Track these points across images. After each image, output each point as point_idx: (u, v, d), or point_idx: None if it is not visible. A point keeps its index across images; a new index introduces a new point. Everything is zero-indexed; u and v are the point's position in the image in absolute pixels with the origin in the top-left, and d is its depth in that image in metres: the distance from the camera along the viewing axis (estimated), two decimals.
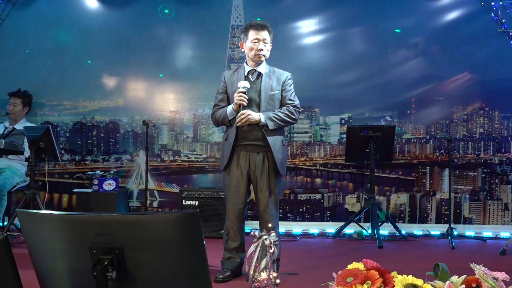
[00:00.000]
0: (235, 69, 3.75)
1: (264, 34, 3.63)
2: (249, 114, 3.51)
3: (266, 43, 3.61)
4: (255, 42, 3.55)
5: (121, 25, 6.58)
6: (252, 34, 3.59)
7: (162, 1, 6.47)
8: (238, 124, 3.47)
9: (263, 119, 3.54)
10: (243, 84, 3.45)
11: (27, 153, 5.31)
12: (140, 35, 6.59)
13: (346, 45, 6.52)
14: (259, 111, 3.51)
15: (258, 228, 3.44)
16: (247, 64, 3.69)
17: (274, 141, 3.54)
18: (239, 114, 3.48)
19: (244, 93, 3.44)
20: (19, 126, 5.81)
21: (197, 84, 6.62)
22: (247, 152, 3.54)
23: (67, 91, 6.58)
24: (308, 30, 6.60)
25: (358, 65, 6.46)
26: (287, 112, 3.61)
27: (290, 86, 3.73)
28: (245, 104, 3.40)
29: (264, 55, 3.59)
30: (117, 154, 6.66)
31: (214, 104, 3.74)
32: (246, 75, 3.59)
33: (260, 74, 3.61)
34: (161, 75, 6.49)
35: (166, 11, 6.36)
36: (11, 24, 6.44)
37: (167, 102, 6.70)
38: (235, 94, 3.42)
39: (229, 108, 3.50)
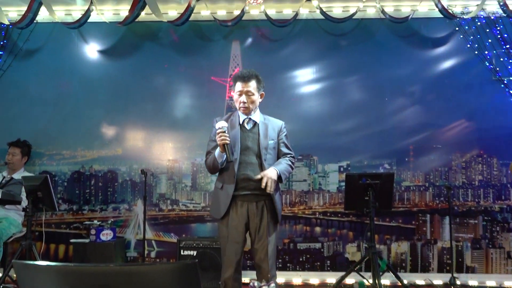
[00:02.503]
0: (228, 116, 3.60)
1: (251, 85, 3.47)
2: (270, 177, 3.36)
3: (250, 94, 3.45)
4: (239, 94, 3.43)
5: (120, 75, 6.39)
6: (237, 86, 3.46)
7: (161, 52, 6.35)
8: (268, 190, 3.27)
9: (276, 175, 3.39)
10: (221, 125, 3.30)
11: (25, 202, 5.15)
12: (139, 84, 6.38)
13: (343, 94, 6.33)
14: (259, 161, 3.37)
15: (256, 278, 3.38)
16: (240, 112, 3.55)
17: (273, 190, 3.41)
18: (263, 180, 3.32)
19: (224, 132, 3.31)
20: (17, 175, 5.69)
21: (195, 133, 6.34)
22: (245, 201, 3.38)
23: (66, 140, 6.31)
24: (306, 79, 6.42)
25: (355, 113, 6.25)
26: (290, 163, 3.52)
27: (285, 135, 3.61)
28: (228, 142, 3.25)
29: (246, 107, 3.44)
30: (115, 203, 6.37)
31: (206, 151, 3.58)
32: (241, 123, 3.47)
33: (255, 123, 3.48)
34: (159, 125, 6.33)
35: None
36: (12, 75, 6.33)
37: (165, 151, 6.41)
38: (217, 136, 3.28)
39: (217, 151, 3.34)
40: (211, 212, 3.51)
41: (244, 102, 3.36)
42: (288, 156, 3.51)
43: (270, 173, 3.33)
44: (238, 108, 3.45)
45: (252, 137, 3.41)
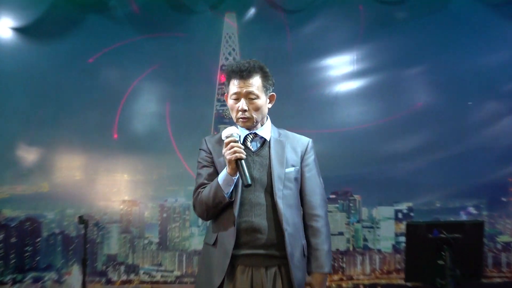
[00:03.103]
0: (221, 134, 2.52)
1: (253, 83, 2.38)
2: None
3: (253, 98, 2.35)
4: (236, 98, 2.37)
5: (47, 66, 5.32)
6: (233, 85, 2.38)
7: (112, 30, 5.30)
8: None
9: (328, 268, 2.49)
10: (231, 131, 2.30)
11: None
12: (77, 81, 5.30)
13: (400, 95, 5.33)
14: (270, 200, 2.33)
15: None
16: (239, 125, 2.54)
17: (294, 248, 2.34)
18: None
19: (237, 141, 2.30)
20: None
21: (167, 158, 5.26)
22: (249, 266, 2.33)
23: None
24: (340, 72, 5.33)
25: (419, 127, 5.27)
26: (326, 223, 2.46)
27: (314, 159, 2.49)
28: (244, 157, 2.25)
29: (248, 118, 2.36)
30: (36, 271, 5.25)
31: (197, 185, 2.45)
32: (242, 142, 2.37)
33: (265, 141, 2.39)
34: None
35: None
36: None
37: (118, 187, 5.37)
38: (225, 149, 2.27)
39: (222, 175, 2.29)
40: (197, 285, 2.55)
41: (244, 110, 2.35)
42: (319, 198, 2.45)
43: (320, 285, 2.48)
44: (235, 119, 2.42)
45: (260, 163, 2.38)
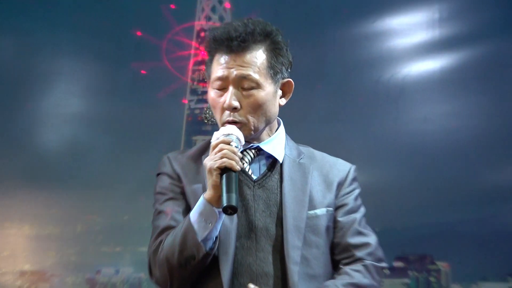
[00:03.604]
0: (198, 148, 1.82)
1: (250, 61, 1.63)
2: None
3: (250, 87, 1.61)
4: (219, 89, 1.66)
5: None
6: (215, 66, 1.65)
7: None
8: None
9: None
10: (230, 131, 1.57)
11: None
12: None
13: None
14: (281, 269, 1.66)
15: None
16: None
17: None
18: None
19: (229, 143, 1.55)
20: None
21: (100, 195, 3.72)
22: None
23: None
24: (409, 41, 3.76)
25: None
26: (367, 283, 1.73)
27: (356, 197, 1.74)
28: (238, 168, 1.51)
29: (242, 122, 1.60)
30: None
31: (155, 233, 1.64)
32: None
33: (275, 162, 1.71)
34: None
35: None
36: None
37: (12, 249, 3.80)
38: (213, 151, 1.54)
39: (197, 206, 1.54)
40: None
41: (233, 108, 1.63)
42: (368, 261, 1.70)
43: None
44: (219, 123, 1.76)
45: (265, 201, 1.71)
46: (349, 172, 1.74)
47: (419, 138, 3.56)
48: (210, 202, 1.49)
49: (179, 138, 3.73)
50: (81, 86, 3.73)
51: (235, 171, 1.48)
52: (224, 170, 1.48)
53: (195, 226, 1.52)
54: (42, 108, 3.74)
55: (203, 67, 3.24)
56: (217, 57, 1.64)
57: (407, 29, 3.72)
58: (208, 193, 1.51)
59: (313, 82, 3.32)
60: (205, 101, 3.66)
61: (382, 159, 3.57)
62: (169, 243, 1.61)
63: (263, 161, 1.71)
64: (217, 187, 1.48)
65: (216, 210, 1.49)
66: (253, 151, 1.67)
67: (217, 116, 1.69)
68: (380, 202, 3.26)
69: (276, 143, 1.71)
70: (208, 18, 3.50)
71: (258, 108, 1.62)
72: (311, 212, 1.66)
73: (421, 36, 3.69)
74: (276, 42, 1.63)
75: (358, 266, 1.67)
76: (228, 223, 1.62)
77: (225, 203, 1.39)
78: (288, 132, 1.74)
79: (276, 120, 1.70)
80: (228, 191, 1.46)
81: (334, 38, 3.67)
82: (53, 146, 3.81)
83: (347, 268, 1.67)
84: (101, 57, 3.78)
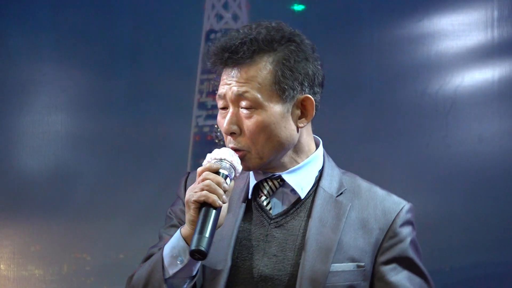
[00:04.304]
0: None
1: (249, 75, 1.40)
2: None
3: (248, 107, 1.41)
4: (221, 110, 1.43)
5: None
6: (221, 81, 1.42)
7: None
8: None
9: None
10: (223, 155, 1.38)
11: None
12: None
13: None
14: None
15: None
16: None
17: None
18: None
19: (217, 168, 1.38)
20: None
21: (89, 226, 3.37)
22: None
23: None
24: (462, 44, 3.30)
25: None
26: None
27: (413, 247, 1.38)
28: (219, 204, 1.33)
29: (243, 150, 1.44)
30: None
31: (142, 260, 1.45)
32: (251, 193, 1.47)
33: (297, 197, 1.46)
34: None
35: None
36: None
37: None
38: (198, 179, 1.40)
39: (174, 237, 1.36)
40: None
41: (230, 133, 1.49)
42: None
43: None
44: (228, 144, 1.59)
45: (281, 245, 1.51)
46: (397, 215, 1.44)
47: (472, 161, 3.14)
48: (185, 238, 1.38)
49: (185, 161, 3.36)
50: (66, 98, 3.28)
51: (215, 208, 1.34)
52: (204, 204, 1.36)
53: (165, 261, 1.39)
54: (19, 126, 3.28)
55: (212, 76, 3.04)
56: (222, 71, 1.49)
57: (460, 30, 3.27)
58: (185, 228, 1.41)
59: (346, 94, 2.98)
60: (216, 116, 3.13)
61: (428, 186, 3.14)
62: (138, 274, 1.49)
63: (288, 194, 1.50)
64: (194, 223, 1.37)
65: (185, 244, 1.39)
66: (274, 181, 1.49)
67: (224, 138, 1.56)
68: (425, 238, 2.80)
69: (305, 172, 1.50)
70: (219, 18, 3.08)
71: (260, 132, 1.45)
72: (337, 265, 1.44)
73: (477, 38, 3.25)
74: (285, 52, 1.43)
75: None
76: (221, 267, 1.44)
77: (192, 247, 1.29)
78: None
79: (311, 140, 1.51)
80: (200, 232, 1.33)
81: (372, 41, 3.25)
82: (33, 171, 3.39)
83: None
84: (91, 64, 3.37)
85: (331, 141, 2.94)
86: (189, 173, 1.58)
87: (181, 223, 1.51)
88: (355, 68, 3.19)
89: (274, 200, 1.46)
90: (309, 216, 1.42)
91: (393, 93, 3.26)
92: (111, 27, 3.38)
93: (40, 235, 3.20)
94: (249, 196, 1.45)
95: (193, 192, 1.36)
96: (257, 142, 1.42)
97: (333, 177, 1.46)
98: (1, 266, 3.08)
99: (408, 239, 1.38)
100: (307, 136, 1.46)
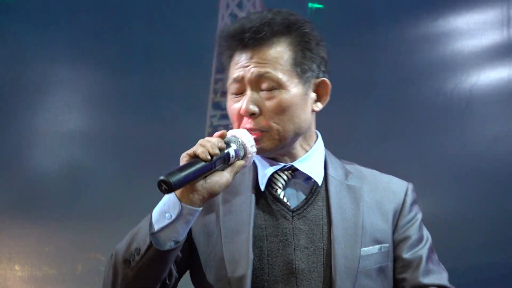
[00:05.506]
0: None
1: (269, 56, 1.36)
2: None
3: (271, 88, 1.34)
4: (236, 93, 1.36)
5: None
6: (232, 67, 1.36)
7: None
8: None
9: None
10: (238, 133, 1.31)
11: None
12: None
13: None
14: None
15: None
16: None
17: None
18: None
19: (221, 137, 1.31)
20: None
21: (103, 226, 3.29)
22: None
23: None
24: (476, 43, 3.29)
25: None
26: None
27: (419, 225, 1.43)
28: (208, 157, 1.21)
29: (263, 130, 1.34)
30: None
31: None
32: (263, 186, 1.37)
33: (315, 185, 1.43)
34: None
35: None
36: None
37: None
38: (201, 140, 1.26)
39: (166, 196, 1.24)
40: None
41: (251, 114, 1.37)
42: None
43: None
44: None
45: (309, 236, 1.46)
46: (406, 194, 1.50)
47: (488, 161, 3.11)
48: (176, 194, 1.34)
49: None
50: (80, 97, 3.34)
51: (204, 161, 1.29)
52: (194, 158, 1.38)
53: (154, 217, 1.36)
54: (33, 125, 3.35)
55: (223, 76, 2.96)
56: (233, 57, 1.46)
57: (475, 29, 3.27)
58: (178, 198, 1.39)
59: (361, 94, 2.99)
60: (219, 106, 3.33)
61: (443, 186, 3.13)
62: (125, 238, 1.47)
63: (301, 184, 1.50)
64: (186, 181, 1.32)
65: (182, 203, 1.32)
66: (286, 172, 1.47)
67: (235, 127, 1.49)
68: (440, 237, 2.81)
69: (314, 160, 1.51)
70: (234, 17, 3.07)
71: (282, 112, 1.42)
72: (365, 249, 1.45)
73: (492, 37, 3.25)
74: (303, 34, 1.42)
75: None
76: (258, 264, 1.40)
77: (161, 176, 1.25)
78: (331, 152, 1.52)
79: (313, 131, 1.52)
80: (179, 169, 1.32)
81: (387, 41, 3.26)
82: (47, 171, 3.41)
83: None
84: (105, 63, 3.39)
85: (345, 139, 2.93)
86: None
87: None
88: (370, 67, 3.18)
89: (288, 191, 1.44)
90: (327, 204, 1.42)
91: (408, 92, 3.25)
92: (125, 27, 3.43)
93: (54, 235, 3.24)
94: (262, 188, 1.41)
95: (189, 152, 1.37)
96: (279, 122, 1.41)
97: (336, 165, 1.48)
98: (16, 266, 3.08)
99: (419, 218, 1.43)
100: (314, 123, 1.47)
